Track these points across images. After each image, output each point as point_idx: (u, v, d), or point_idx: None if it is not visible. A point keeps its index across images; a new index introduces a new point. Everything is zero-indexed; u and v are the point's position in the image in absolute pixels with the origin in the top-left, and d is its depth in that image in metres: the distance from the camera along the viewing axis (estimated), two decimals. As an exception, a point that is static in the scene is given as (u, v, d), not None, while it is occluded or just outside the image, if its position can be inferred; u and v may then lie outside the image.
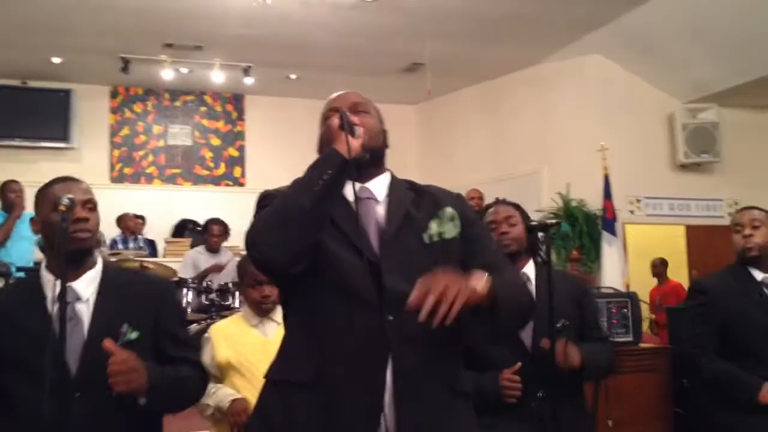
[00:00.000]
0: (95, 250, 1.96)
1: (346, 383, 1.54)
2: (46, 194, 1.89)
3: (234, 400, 2.46)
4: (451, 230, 1.68)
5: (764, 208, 2.95)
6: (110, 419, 1.79)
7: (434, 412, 1.58)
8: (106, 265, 1.96)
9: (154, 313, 1.92)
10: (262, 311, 2.66)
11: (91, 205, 1.90)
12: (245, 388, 2.52)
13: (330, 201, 1.58)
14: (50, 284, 1.84)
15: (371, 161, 1.70)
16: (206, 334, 2.72)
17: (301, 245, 1.55)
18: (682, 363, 3.29)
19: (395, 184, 1.76)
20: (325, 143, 1.68)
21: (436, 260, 1.61)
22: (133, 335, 1.85)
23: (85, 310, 1.84)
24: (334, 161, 1.58)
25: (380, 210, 1.69)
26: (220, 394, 2.50)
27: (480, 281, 1.51)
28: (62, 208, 1.75)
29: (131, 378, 1.73)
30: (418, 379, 1.56)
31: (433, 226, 1.67)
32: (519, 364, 2.33)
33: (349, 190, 1.64)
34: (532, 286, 2.50)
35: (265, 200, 1.67)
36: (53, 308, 1.79)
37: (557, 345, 2.30)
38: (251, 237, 1.60)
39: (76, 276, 1.86)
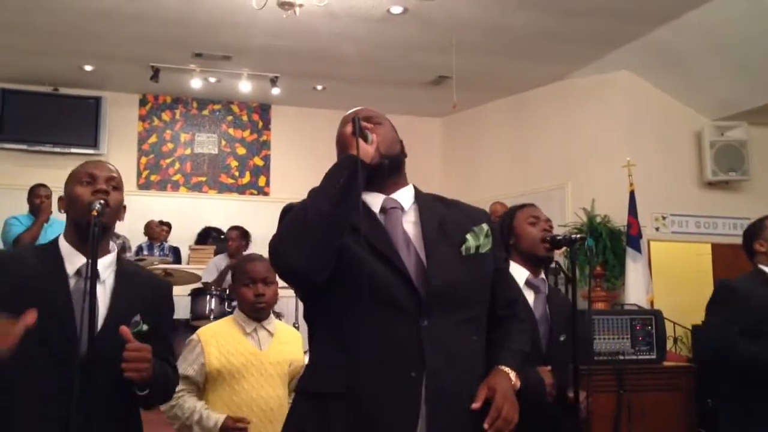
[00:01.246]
0: (112, 240, 2.01)
1: (383, 390, 1.55)
2: (74, 172, 1.94)
3: (225, 419, 2.41)
4: (486, 245, 1.74)
5: None
6: (109, 398, 1.82)
7: (462, 421, 1.59)
8: (118, 254, 2.00)
9: (158, 310, 2.00)
10: (256, 312, 2.59)
11: (114, 183, 1.93)
12: (232, 401, 2.48)
13: (348, 204, 1.60)
14: (69, 256, 1.89)
15: (391, 169, 1.74)
16: (194, 337, 2.60)
17: (323, 250, 1.58)
18: (705, 359, 3.23)
19: (420, 195, 1.79)
20: (340, 153, 1.72)
21: (471, 271, 1.68)
22: (144, 327, 1.90)
23: (101, 292, 1.86)
24: (347, 164, 1.61)
25: (407, 219, 1.73)
26: (206, 421, 2.43)
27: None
28: (94, 213, 1.77)
29: (141, 367, 1.78)
30: (453, 380, 1.58)
31: (470, 239, 1.72)
32: (549, 366, 2.42)
33: (374, 202, 1.68)
34: (543, 295, 2.58)
35: (289, 212, 1.69)
36: (75, 281, 1.85)
37: (581, 396, 2.39)
38: (273, 245, 1.62)
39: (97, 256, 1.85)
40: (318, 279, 1.59)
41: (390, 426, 1.53)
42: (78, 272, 1.86)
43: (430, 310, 1.58)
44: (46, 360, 1.78)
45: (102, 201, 1.81)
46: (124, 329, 1.79)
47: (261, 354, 2.55)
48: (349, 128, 1.68)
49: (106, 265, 1.91)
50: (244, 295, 2.60)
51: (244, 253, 6.76)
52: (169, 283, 2.23)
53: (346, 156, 1.63)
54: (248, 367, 2.51)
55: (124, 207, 1.99)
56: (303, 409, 1.68)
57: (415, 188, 1.81)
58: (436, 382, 1.55)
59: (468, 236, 1.71)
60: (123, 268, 1.97)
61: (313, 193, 1.63)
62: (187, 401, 2.49)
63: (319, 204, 1.58)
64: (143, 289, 1.94)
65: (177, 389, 2.44)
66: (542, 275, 2.63)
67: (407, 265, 1.63)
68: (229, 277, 6.44)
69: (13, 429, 1.77)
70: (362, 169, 1.60)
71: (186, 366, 2.51)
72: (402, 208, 1.73)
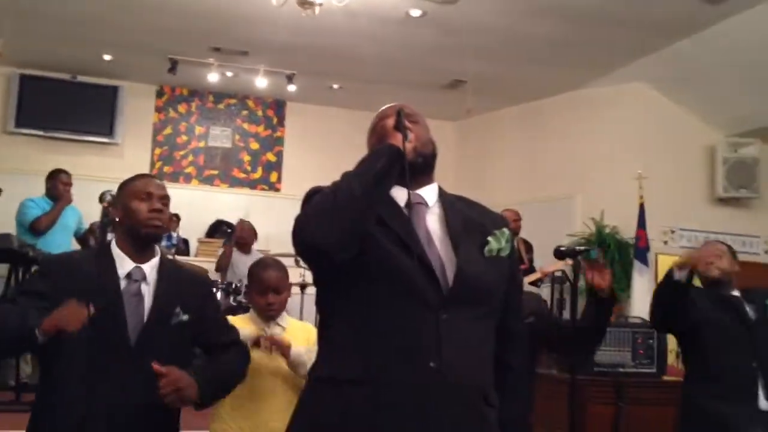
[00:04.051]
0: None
1: (403, 378, 1.57)
2: (130, 186, 2.22)
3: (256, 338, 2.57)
4: (506, 249, 1.77)
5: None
6: (156, 387, 2.01)
7: (473, 415, 1.62)
8: (162, 256, 2.28)
9: (200, 302, 2.26)
10: (267, 317, 2.71)
11: (165, 200, 2.21)
12: (244, 396, 2.52)
13: (381, 190, 1.64)
14: (120, 260, 2.17)
15: (424, 167, 1.78)
16: None
17: (349, 232, 1.60)
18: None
19: (444, 194, 1.83)
20: (378, 143, 1.74)
21: (493, 272, 1.71)
22: (185, 317, 2.17)
23: (147, 291, 2.16)
24: (388, 152, 1.65)
25: (431, 215, 1.76)
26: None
27: None
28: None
29: (181, 395, 2.01)
30: (466, 373, 1.61)
31: (493, 242, 1.75)
32: None
33: (400, 195, 1.71)
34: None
35: (314, 195, 1.71)
36: (126, 283, 2.14)
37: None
38: (300, 222, 1.64)
39: (144, 260, 2.18)
40: (339, 259, 1.60)
41: (408, 414, 1.55)
42: (128, 275, 2.15)
43: (452, 304, 1.61)
44: (99, 348, 2.02)
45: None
46: (156, 365, 1.96)
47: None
48: (391, 121, 1.72)
49: (153, 266, 2.20)
50: (256, 300, 2.72)
51: (256, 248, 6.82)
52: (207, 277, 2.62)
53: (387, 145, 1.67)
54: (259, 361, 2.56)
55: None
56: (317, 394, 1.68)
57: (440, 187, 1.84)
58: (451, 375, 1.58)
59: (490, 239, 1.74)
60: (166, 269, 2.24)
61: (347, 175, 1.65)
62: None
63: (352, 187, 1.60)
64: (184, 286, 2.24)
65: None
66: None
67: (432, 260, 1.65)
68: (241, 272, 6.47)
69: (62, 411, 2.02)
70: (400, 159, 1.64)
71: None
72: (426, 204, 1.76)
